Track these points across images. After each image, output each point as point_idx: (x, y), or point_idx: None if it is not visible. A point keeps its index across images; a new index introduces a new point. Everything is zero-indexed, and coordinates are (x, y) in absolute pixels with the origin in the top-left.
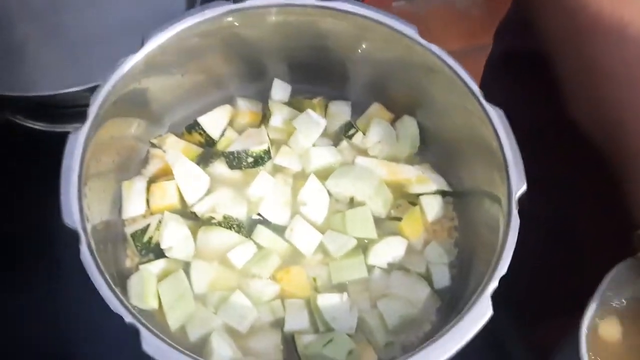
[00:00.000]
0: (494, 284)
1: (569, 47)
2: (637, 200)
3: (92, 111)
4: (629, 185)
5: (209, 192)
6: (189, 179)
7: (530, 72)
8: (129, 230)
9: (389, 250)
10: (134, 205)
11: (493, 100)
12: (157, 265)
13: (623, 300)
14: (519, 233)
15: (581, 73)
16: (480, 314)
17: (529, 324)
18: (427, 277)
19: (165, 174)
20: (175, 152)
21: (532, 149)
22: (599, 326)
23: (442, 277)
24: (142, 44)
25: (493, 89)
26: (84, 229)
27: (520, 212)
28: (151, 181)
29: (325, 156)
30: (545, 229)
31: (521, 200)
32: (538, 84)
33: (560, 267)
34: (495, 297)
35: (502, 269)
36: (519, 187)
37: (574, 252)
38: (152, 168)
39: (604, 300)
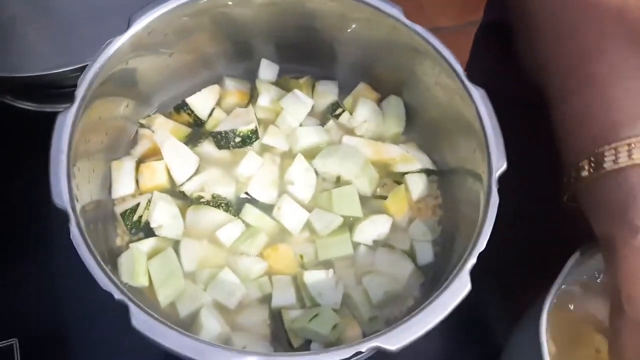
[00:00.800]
0: (472, 260)
1: (519, 9)
2: (561, 144)
3: (80, 92)
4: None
5: (197, 171)
6: (178, 158)
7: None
8: (119, 209)
9: (374, 228)
10: (123, 184)
11: (479, 70)
12: (147, 244)
13: (584, 277)
14: (503, 208)
15: (525, 30)
16: (459, 288)
17: (511, 298)
18: (411, 254)
19: (154, 154)
20: (164, 131)
21: (514, 117)
22: (557, 306)
23: (426, 254)
24: (128, 25)
25: (480, 59)
26: (74, 209)
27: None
28: (140, 161)
29: (312, 136)
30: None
31: (501, 178)
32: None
33: (539, 240)
34: (477, 272)
35: (481, 245)
36: (500, 166)
37: (553, 225)
38: (141, 148)
39: (565, 281)
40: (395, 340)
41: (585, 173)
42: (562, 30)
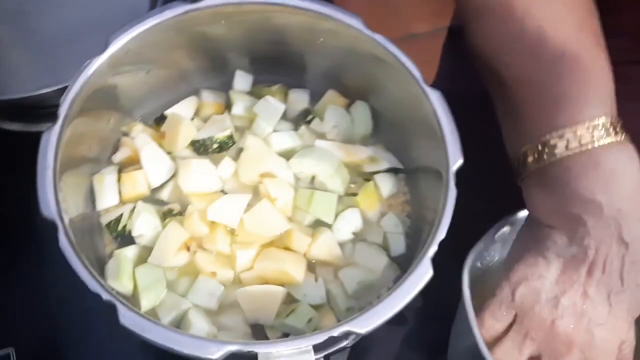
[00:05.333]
0: (434, 248)
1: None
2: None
3: (62, 111)
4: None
5: (173, 177)
6: (154, 163)
7: None
8: (104, 220)
9: (348, 222)
10: (106, 197)
11: (448, 72)
12: (132, 250)
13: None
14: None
15: (478, 16)
16: (422, 274)
17: None
18: (385, 247)
19: (134, 161)
20: (144, 136)
21: (482, 115)
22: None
23: (398, 246)
24: (106, 46)
25: (449, 62)
26: (61, 219)
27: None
28: (121, 169)
29: (286, 140)
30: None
31: (459, 172)
32: None
33: None
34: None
35: (441, 234)
36: (456, 161)
37: None
38: (122, 155)
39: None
40: (364, 324)
41: (572, 145)
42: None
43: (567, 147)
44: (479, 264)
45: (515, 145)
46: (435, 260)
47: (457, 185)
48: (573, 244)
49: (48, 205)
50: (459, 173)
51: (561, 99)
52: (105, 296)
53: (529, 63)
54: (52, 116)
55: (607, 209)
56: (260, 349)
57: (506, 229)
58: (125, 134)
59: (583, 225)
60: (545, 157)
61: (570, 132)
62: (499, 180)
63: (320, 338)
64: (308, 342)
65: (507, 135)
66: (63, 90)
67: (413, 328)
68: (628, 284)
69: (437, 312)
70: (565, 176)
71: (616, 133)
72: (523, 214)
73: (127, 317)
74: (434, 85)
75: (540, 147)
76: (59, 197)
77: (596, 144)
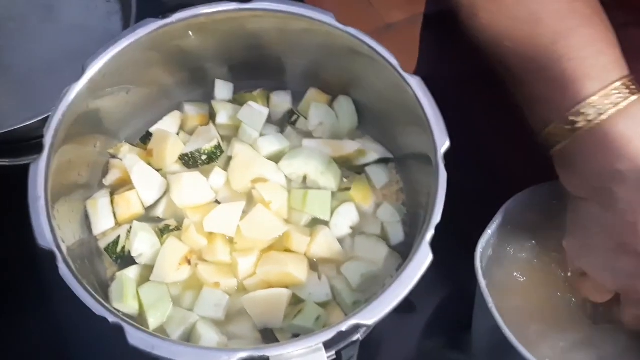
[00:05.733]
0: (431, 232)
1: None
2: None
3: (47, 141)
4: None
5: (165, 193)
6: (146, 181)
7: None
8: (102, 244)
9: (344, 217)
10: (102, 221)
11: (428, 58)
12: (134, 271)
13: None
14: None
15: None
16: (422, 259)
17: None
18: (384, 237)
19: (125, 183)
20: (133, 156)
21: (464, 97)
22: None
23: (397, 234)
24: (83, 71)
25: (428, 49)
26: (59, 247)
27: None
28: (113, 191)
29: (273, 143)
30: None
31: (447, 154)
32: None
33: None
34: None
35: (437, 217)
36: (443, 144)
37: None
38: (112, 177)
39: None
40: (370, 315)
41: (581, 124)
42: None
43: (579, 125)
44: (490, 251)
45: (537, 128)
46: (434, 245)
47: (448, 167)
48: (609, 211)
49: (44, 236)
50: (448, 156)
51: (562, 80)
52: (111, 319)
53: (529, 48)
54: (38, 147)
55: (629, 174)
56: (271, 352)
57: (515, 209)
58: (113, 156)
59: (611, 193)
60: (562, 138)
61: (578, 110)
62: (491, 159)
63: (329, 334)
64: (318, 340)
65: (529, 120)
66: (46, 120)
67: (430, 316)
68: None
69: (453, 297)
70: (583, 154)
71: (631, 94)
72: (532, 190)
73: (135, 337)
74: (416, 72)
75: (555, 130)
76: (53, 226)
77: (604, 117)
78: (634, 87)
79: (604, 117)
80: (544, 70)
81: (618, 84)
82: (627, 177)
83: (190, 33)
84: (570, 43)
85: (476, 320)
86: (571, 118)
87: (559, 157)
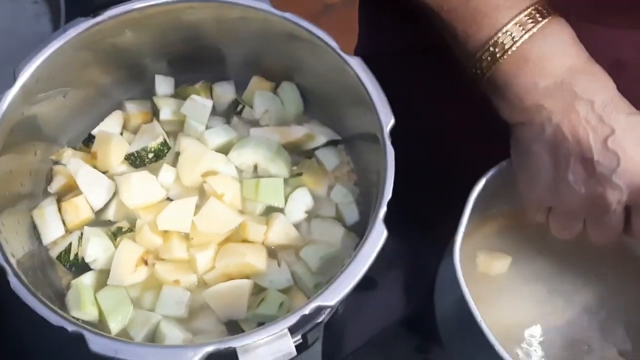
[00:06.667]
0: (383, 209)
1: None
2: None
3: None
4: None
5: (115, 195)
6: (93, 185)
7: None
8: (54, 253)
9: (298, 203)
10: (51, 229)
11: (369, 32)
12: (89, 277)
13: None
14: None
15: None
16: (377, 237)
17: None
18: (339, 218)
19: (72, 188)
20: (76, 160)
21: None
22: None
23: (352, 214)
24: (14, 78)
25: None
26: (8, 262)
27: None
28: (60, 198)
29: (220, 135)
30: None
31: (393, 130)
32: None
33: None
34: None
35: (388, 194)
36: (388, 122)
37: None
38: (57, 184)
39: (476, 210)
40: (331, 296)
41: (499, 53)
42: None
43: (497, 56)
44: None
45: (466, 66)
46: (389, 221)
47: (394, 143)
48: (546, 127)
49: None
50: (394, 132)
51: (477, 14)
52: (70, 328)
53: None
54: None
55: (553, 86)
56: (237, 343)
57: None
58: (56, 162)
59: (542, 109)
60: (487, 69)
61: (495, 40)
62: (436, 128)
63: (293, 319)
64: (282, 326)
65: (462, 61)
66: None
67: (392, 291)
68: (618, 123)
69: (413, 270)
70: (509, 78)
71: (543, 18)
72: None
73: (96, 343)
74: (356, 52)
75: (479, 63)
76: (0, 240)
77: (519, 43)
78: (544, 11)
79: (519, 42)
80: (458, 9)
81: (529, 9)
82: (552, 91)
83: (125, 30)
84: None
85: (440, 293)
86: (491, 49)
87: (490, 89)
